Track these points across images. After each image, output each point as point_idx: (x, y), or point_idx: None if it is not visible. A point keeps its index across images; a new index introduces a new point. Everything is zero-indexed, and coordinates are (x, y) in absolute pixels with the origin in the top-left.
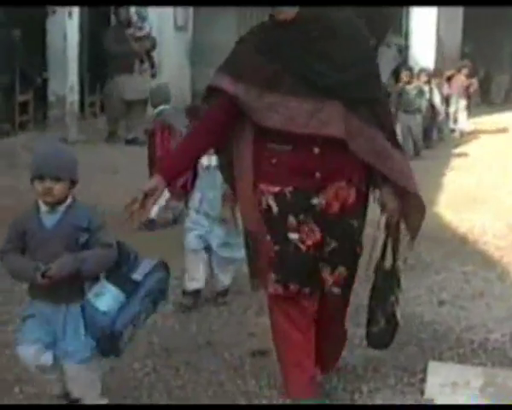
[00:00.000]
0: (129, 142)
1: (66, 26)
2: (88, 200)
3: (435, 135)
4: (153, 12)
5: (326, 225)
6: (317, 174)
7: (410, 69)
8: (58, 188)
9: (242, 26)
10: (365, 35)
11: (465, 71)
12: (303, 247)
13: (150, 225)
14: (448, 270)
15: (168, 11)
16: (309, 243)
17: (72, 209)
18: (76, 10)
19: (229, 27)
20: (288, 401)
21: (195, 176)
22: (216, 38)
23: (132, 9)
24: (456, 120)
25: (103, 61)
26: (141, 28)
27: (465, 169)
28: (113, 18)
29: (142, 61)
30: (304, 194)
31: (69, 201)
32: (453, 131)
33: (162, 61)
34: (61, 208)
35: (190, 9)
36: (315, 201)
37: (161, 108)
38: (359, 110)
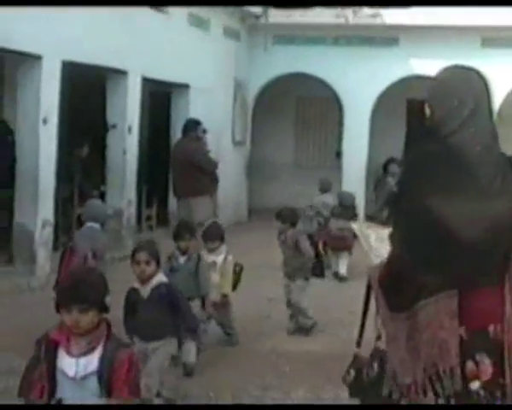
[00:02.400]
0: None
1: (126, 141)
2: None
3: None
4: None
5: None
6: None
7: None
8: None
9: (299, 145)
10: None
11: None
12: None
13: None
14: None
15: (227, 126)
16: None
17: None
18: (135, 125)
19: (286, 144)
20: None
21: None
22: (272, 153)
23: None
24: None
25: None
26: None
27: None
28: (170, 133)
29: None
30: None
31: None
32: None
33: (220, 176)
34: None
35: (248, 125)
36: None
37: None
38: None
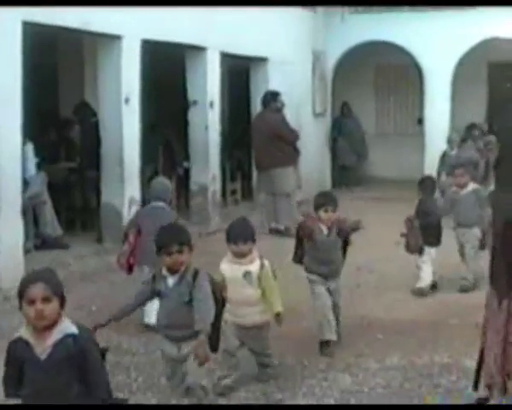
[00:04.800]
0: (271, 231)
1: (208, 117)
2: None
3: None
4: (291, 100)
5: None
6: None
7: None
8: None
9: (380, 114)
10: None
11: None
12: None
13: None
14: None
15: (306, 98)
16: None
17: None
18: (216, 100)
19: (367, 113)
20: None
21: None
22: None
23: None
24: None
25: (243, 147)
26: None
27: None
28: (252, 106)
29: None
30: None
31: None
32: None
33: (302, 148)
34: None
35: (328, 96)
36: None
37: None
38: None
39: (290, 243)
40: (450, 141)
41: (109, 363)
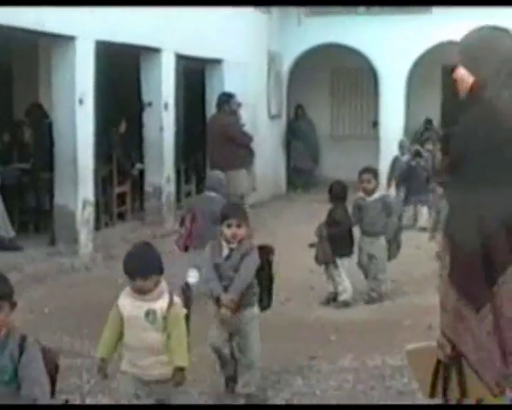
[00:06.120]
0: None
1: (163, 118)
2: None
3: None
4: (247, 101)
5: None
6: None
7: None
8: None
9: (335, 117)
10: None
11: None
12: None
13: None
14: None
15: (262, 99)
16: None
17: None
18: (171, 102)
19: (322, 115)
20: None
21: None
22: None
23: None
24: None
25: (198, 149)
26: (241, 119)
27: None
28: (204, 108)
29: None
30: None
31: None
32: None
33: (257, 150)
34: None
35: (284, 98)
36: None
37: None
38: None
39: None
40: (401, 147)
41: (61, 366)
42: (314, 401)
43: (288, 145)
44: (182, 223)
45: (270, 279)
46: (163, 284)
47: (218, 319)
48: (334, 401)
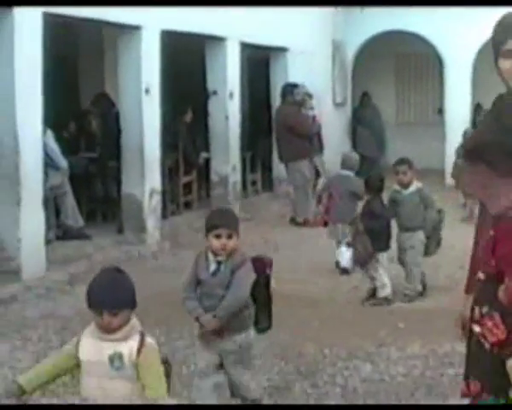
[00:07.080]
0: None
1: (228, 107)
2: None
3: None
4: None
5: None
6: None
7: None
8: None
9: (400, 98)
10: None
11: None
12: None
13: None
14: None
15: (327, 88)
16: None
17: None
18: (236, 91)
19: (387, 102)
20: None
21: None
22: None
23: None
24: None
25: (263, 138)
26: (312, 108)
27: None
28: (273, 99)
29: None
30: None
31: None
32: None
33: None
34: None
35: (349, 86)
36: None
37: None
38: None
39: (308, 233)
40: (465, 135)
41: None
42: (382, 388)
43: (354, 133)
44: (319, 201)
45: (269, 297)
46: (134, 321)
47: (203, 342)
48: (402, 389)
